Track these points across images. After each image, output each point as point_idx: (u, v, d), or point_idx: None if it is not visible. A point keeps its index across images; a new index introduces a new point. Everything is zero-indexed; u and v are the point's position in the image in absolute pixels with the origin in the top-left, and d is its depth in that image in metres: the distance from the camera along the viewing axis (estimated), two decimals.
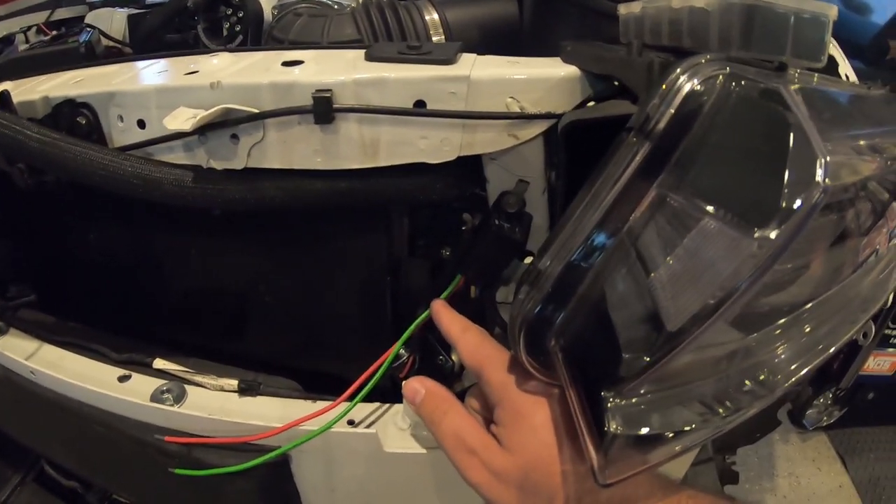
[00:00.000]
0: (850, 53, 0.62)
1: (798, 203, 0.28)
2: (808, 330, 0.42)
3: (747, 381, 0.41)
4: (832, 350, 0.43)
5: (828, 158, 0.28)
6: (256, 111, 0.45)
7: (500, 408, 0.41)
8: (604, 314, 0.35)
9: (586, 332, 0.36)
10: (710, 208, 0.31)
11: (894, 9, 1.57)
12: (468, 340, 0.45)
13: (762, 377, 0.41)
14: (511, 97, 0.44)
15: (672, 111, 0.33)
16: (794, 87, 0.33)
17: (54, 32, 0.98)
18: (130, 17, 0.94)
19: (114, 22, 0.94)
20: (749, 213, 0.29)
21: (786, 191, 0.28)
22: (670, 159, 0.33)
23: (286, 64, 0.48)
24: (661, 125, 0.33)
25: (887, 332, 1.42)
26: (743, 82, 0.33)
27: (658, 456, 0.35)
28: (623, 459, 0.34)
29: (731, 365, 0.40)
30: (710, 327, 0.31)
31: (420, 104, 0.45)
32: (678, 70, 0.34)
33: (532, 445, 0.39)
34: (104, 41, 0.90)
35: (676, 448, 0.36)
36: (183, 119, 0.45)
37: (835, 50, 0.56)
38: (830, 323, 0.43)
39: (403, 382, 0.48)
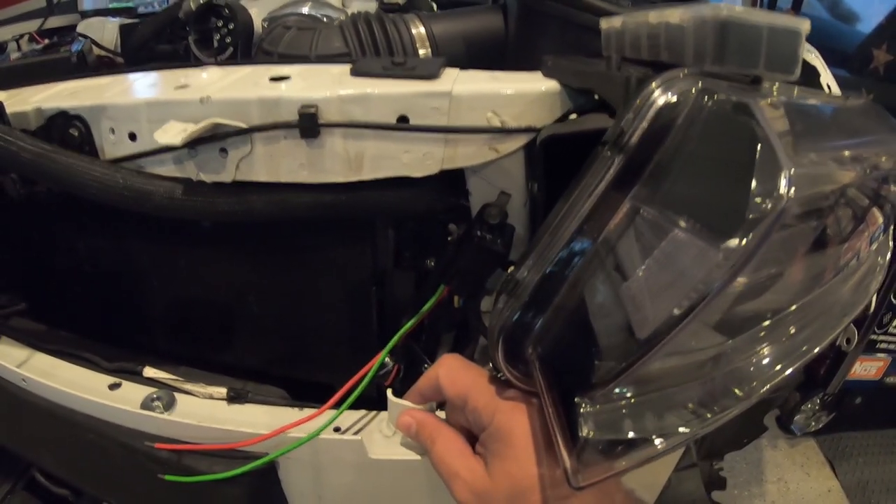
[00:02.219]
0: (836, 62, 0.63)
1: (761, 214, 0.28)
2: (789, 334, 0.43)
3: (727, 385, 0.41)
4: (811, 355, 0.44)
5: (793, 171, 0.29)
6: (244, 126, 0.46)
7: (488, 434, 0.42)
8: (578, 322, 0.36)
9: (562, 339, 0.37)
10: (679, 219, 0.32)
11: (881, 17, 1.59)
12: (447, 368, 0.46)
13: (742, 381, 0.42)
14: (492, 112, 0.45)
15: (645, 125, 0.34)
16: (767, 100, 0.34)
17: (46, 41, 0.98)
18: (122, 27, 0.94)
19: (106, 31, 0.94)
20: (716, 224, 0.30)
21: (751, 202, 0.29)
22: (643, 172, 0.34)
23: (273, 79, 0.49)
24: (635, 139, 0.34)
25: (874, 337, 1.43)
26: (715, 96, 0.34)
27: (632, 460, 0.36)
28: (597, 464, 0.35)
29: (711, 369, 0.40)
30: (679, 334, 0.32)
31: (403, 119, 0.45)
32: (652, 85, 0.35)
33: (515, 474, 0.40)
34: (96, 51, 0.91)
35: (651, 452, 0.37)
36: (173, 133, 0.46)
37: (816, 60, 0.56)
38: (812, 327, 0.43)
39: (397, 420, 0.49)
